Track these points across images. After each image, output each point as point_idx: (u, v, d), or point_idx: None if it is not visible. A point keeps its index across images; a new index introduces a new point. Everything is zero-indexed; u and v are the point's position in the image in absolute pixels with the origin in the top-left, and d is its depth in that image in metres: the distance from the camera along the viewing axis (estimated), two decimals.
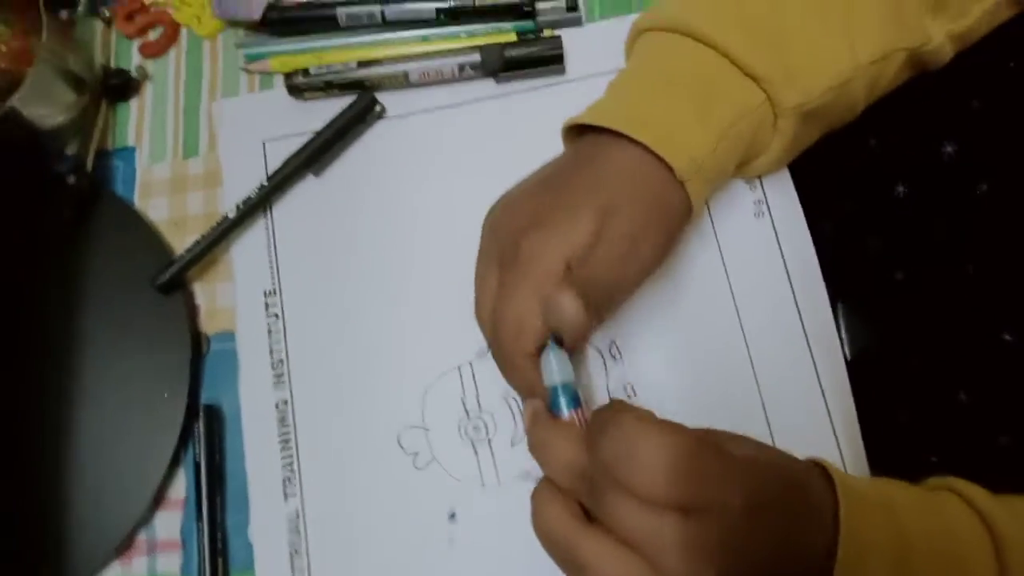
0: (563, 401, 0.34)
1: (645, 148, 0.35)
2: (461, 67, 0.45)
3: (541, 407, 0.34)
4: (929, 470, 0.48)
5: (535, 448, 0.33)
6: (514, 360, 0.34)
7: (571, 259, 0.34)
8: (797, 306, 0.41)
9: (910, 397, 0.48)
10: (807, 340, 0.40)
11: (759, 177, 0.43)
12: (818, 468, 0.32)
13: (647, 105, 0.37)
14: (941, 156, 0.51)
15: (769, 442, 0.39)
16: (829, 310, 0.41)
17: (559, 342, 0.34)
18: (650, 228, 0.36)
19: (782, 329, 0.41)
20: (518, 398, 0.41)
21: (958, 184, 0.50)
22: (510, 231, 0.36)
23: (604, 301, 0.35)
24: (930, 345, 0.49)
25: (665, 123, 0.36)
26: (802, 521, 0.29)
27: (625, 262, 0.35)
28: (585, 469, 0.30)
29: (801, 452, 0.38)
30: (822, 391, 0.40)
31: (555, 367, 0.34)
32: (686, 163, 0.35)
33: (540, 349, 0.34)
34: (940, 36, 0.39)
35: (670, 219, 0.37)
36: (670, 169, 0.35)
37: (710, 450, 0.28)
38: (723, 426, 0.39)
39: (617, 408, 0.30)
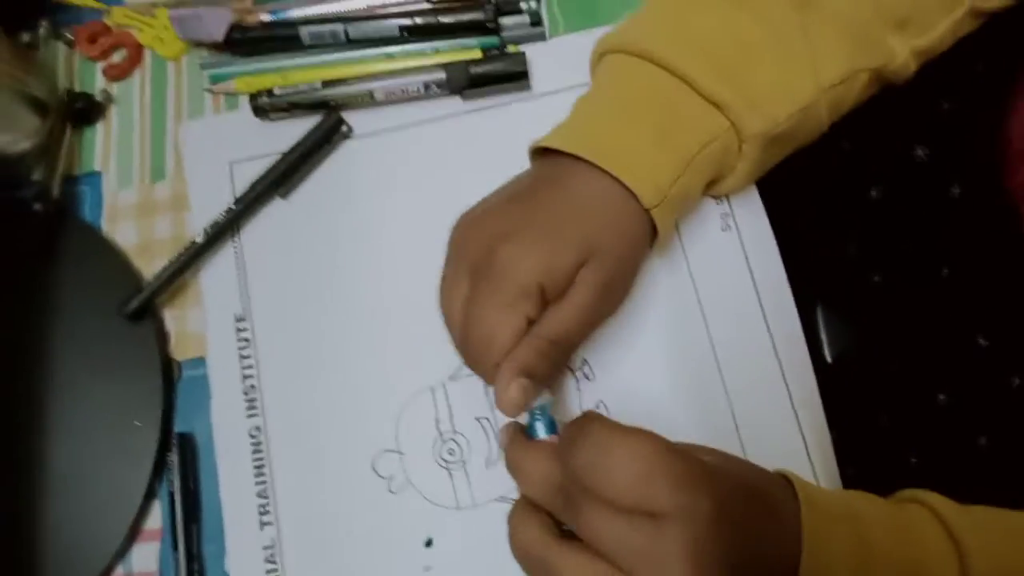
0: (539, 426, 0.34)
1: (612, 176, 0.35)
2: (427, 85, 0.45)
3: (517, 429, 0.35)
4: (909, 471, 0.48)
5: (511, 467, 0.33)
6: (487, 371, 0.35)
7: (545, 285, 0.34)
8: (765, 318, 0.41)
9: (889, 399, 0.49)
10: (776, 352, 0.40)
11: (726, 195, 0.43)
12: (784, 480, 0.32)
13: (610, 132, 0.37)
14: (913, 159, 0.51)
15: (740, 453, 0.39)
16: (797, 321, 0.41)
17: None
18: (625, 275, 0.37)
19: (751, 341, 0.41)
20: (492, 419, 0.41)
21: (931, 187, 0.50)
22: (484, 240, 0.36)
23: (566, 352, 0.36)
24: (908, 348, 0.49)
25: (629, 152, 0.36)
26: (767, 530, 0.29)
27: (596, 310, 0.36)
28: (560, 484, 0.30)
29: (772, 462, 0.38)
30: (791, 401, 0.40)
31: None
32: (651, 192, 0.36)
33: None
34: (904, 53, 0.39)
35: (640, 255, 0.38)
36: (636, 197, 0.36)
37: (678, 456, 0.28)
38: (695, 440, 0.39)
39: (588, 418, 0.30)
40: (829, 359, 0.49)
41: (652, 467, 0.28)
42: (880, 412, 0.49)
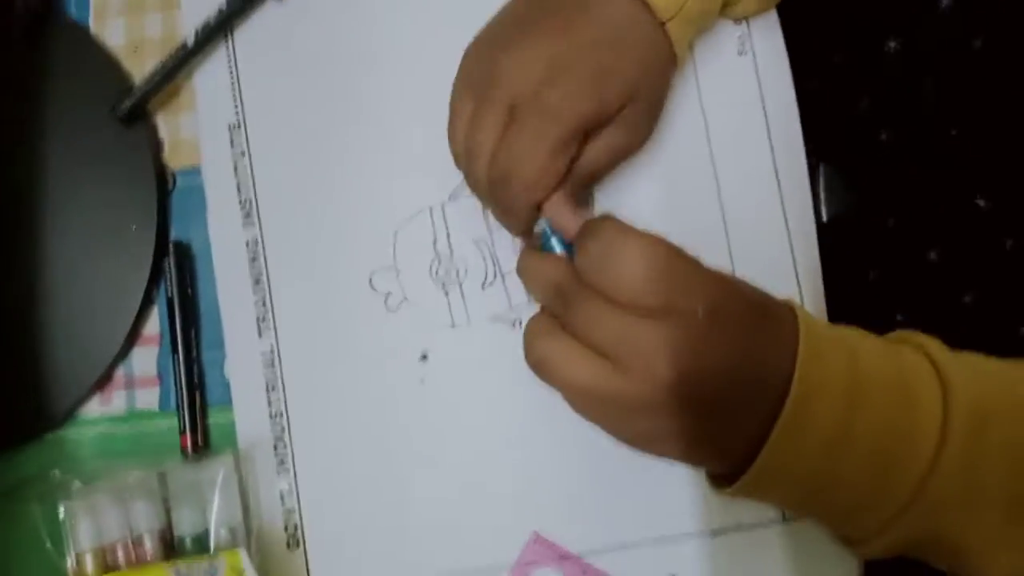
0: (554, 241, 0.34)
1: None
2: None
3: (534, 243, 0.35)
4: (894, 327, 0.49)
5: (523, 271, 0.34)
6: (521, 209, 0.34)
7: (590, 128, 0.34)
8: (772, 150, 0.40)
9: (881, 256, 0.49)
10: (779, 184, 0.40)
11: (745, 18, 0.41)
12: (786, 304, 0.32)
13: None
14: (936, 8, 0.48)
15: None
16: (803, 152, 0.40)
17: None
18: (656, 115, 0.38)
19: (755, 171, 0.40)
20: (489, 241, 0.41)
21: (952, 39, 0.48)
22: (524, 74, 0.34)
23: (594, 181, 0.37)
24: (906, 206, 0.48)
25: None
26: (763, 342, 0.30)
27: (629, 151, 0.37)
28: (566, 285, 0.31)
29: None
30: (789, 238, 0.40)
31: None
32: (666, 3, 0.34)
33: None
34: None
35: (665, 90, 0.38)
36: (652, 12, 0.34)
37: (685, 259, 0.30)
38: None
39: (602, 217, 0.31)
40: (825, 219, 0.49)
41: (657, 265, 0.29)
42: (870, 268, 0.50)
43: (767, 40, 0.41)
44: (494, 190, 0.35)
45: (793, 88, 0.40)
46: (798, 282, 0.40)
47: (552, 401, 0.38)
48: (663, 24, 0.35)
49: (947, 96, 0.48)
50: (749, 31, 0.41)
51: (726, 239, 0.40)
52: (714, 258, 0.38)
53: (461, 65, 0.37)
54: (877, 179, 0.48)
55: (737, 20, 0.41)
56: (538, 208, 0.34)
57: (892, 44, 0.48)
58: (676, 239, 0.39)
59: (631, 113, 0.35)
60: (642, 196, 0.40)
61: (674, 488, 0.39)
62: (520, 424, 0.40)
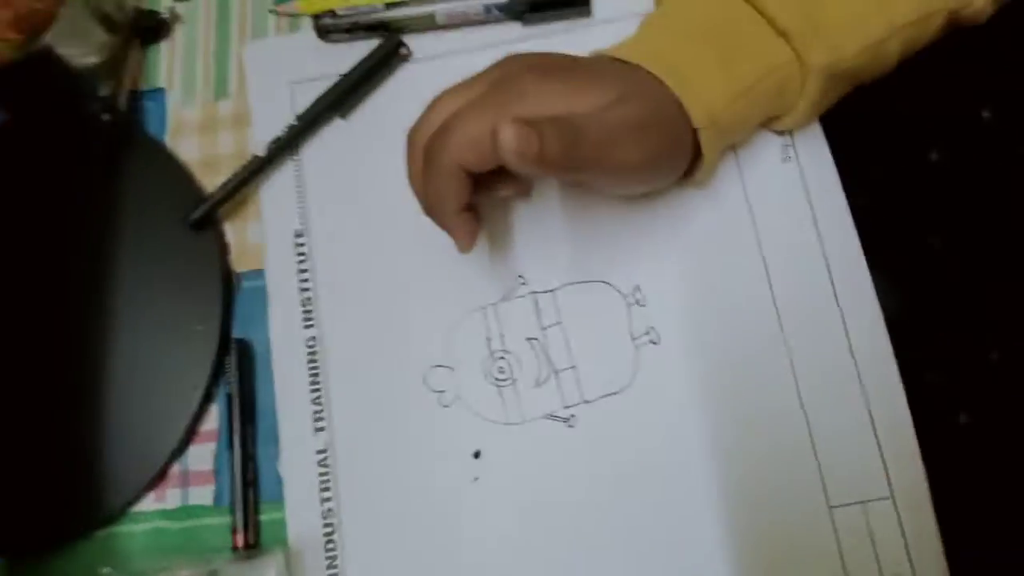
0: None
1: (667, 88, 0.36)
2: (488, 8, 0.45)
3: None
4: (958, 430, 0.48)
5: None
6: (452, 174, 0.34)
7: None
8: (825, 255, 0.40)
9: (939, 357, 0.48)
10: (833, 288, 0.40)
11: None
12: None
13: (671, 49, 0.37)
14: (979, 119, 0.50)
15: (793, 388, 0.39)
16: (861, 256, 0.40)
17: None
18: (652, 131, 0.35)
19: (809, 276, 0.40)
20: (541, 339, 0.41)
21: (995, 148, 0.49)
22: (515, 66, 0.35)
23: (572, 154, 0.32)
24: (962, 308, 0.48)
25: (687, 67, 0.36)
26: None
27: (613, 142, 0.33)
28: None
29: (829, 404, 0.39)
30: (849, 343, 0.39)
31: None
32: (702, 112, 0.36)
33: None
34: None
35: (675, 141, 0.36)
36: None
37: None
38: (747, 374, 0.39)
39: None
40: None
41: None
42: (928, 370, 0.49)
43: (811, 147, 0.42)
44: (432, 150, 0.35)
45: (843, 194, 0.41)
46: (861, 385, 0.39)
47: (606, 501, 0.39)
48: (695, 130, 0.36)
49: (994, 201, 0.49)
50: (793, 140, 0.42)
51: (784, 343, 0.40)
52: (774, 368, 0.39)
53: None
54: (928, 283, 0.49)
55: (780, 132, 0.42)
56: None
57: (935, 155, 0.50)
58: (733, 352, 0.40)
59: (623, 110, 0.34)
60: (691, 297, 0.41)
61: None
62: (573, 524, 0.39)
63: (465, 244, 0.36)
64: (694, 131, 0.36)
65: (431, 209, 0.37)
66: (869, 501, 0.37)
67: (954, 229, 0.49)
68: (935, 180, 0.50)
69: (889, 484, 0.37)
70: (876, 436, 0.38)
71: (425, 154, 0.35)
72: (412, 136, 0.36)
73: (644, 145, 0.34)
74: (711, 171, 0.40)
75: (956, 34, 0.41)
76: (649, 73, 0.36)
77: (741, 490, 0.38)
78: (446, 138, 0.34)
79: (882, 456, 0.38)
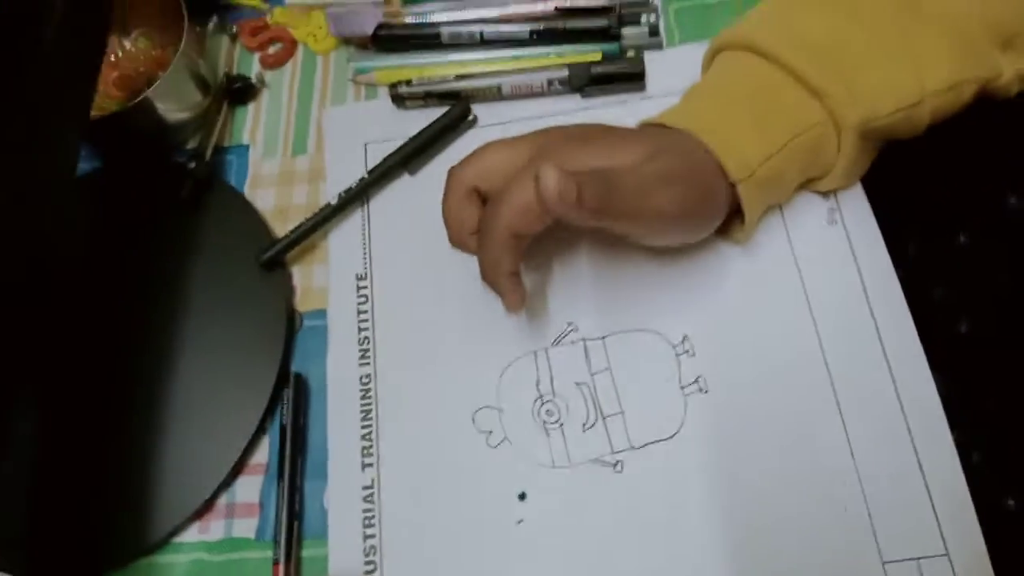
0: None
1: (708, 149, 0.38)
2: (550, 82, 0.49)
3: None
4: (1006, 513, 0.47)
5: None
6: (505, 241, 0.37)
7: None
8: (872, 314, 0.41)
9: (982, 439, 0.47)
10: (882, 346, 0.40)
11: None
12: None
13: (709, 111, 0.40)
14: (1004, 206, 0.51)
15: (845, 443, 0.39)
16: (908, 315, 0.41)
17: None
18: (685, 183, 0.37)
19: (858, 335, 0.41)
20: (590, 384, 0.42)
21: (1020, 234, 0.50)
22: (557, 138, 0.39)
23: (608, 201, 0.34)
24: (1005, 389, 0.48)
25: (723, 126, 0.38)
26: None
27: (648, 192, 0.35)
28: None
29: (880, 459, 0.38)
30: (900, 404, 0.39)
31: None
32: (739, 166, 0.38)
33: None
34: (1010, 73, 0.40)
35: (708, 193, 0.38)
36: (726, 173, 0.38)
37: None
38: (798, 428, 0.40)
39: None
40: None
41: None
42: (972, 450, 0.48)
43: (856, 212, 0.43)
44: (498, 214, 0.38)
45: (889, 259, 0.42)
46: (916, 454, 0.39)
47: (652, 548, 0.38)
48: (733, 185, 0.38)
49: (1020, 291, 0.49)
50: (838, 203, 0.44)
51: (835, 399, 0.40)
52: (825, 424, 0.39)
53: None
54: (962, 367, 0.48)
55: (824, 194, 0.44)
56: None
57: (963, 239, 0.51)
58: (783, 405, 0.40)
59: (655, 163, 0.37)
60: (740, 349, 0.42)
61: None
62: (617, 570, 0.38)
63: (514, 306, 0.39)
64: (732, 187, 0.38)
65: (486, 274, 0.39)
66: (924, 558, 0.36)
67: (980, 314, 0.49)
68: (964, 263, 0.51)
69: (943, 541, 0.36)
70: (929, 493, 0.37)
71: (479, 225, 0.39)
72: (453, 170, 0.41)
73: (677, 195, 0.36)
74: (752, 229, 0.41)
75: (988, 115, 0.43)
76: (686, 133, 0.39)
77: (791, 542, 0.37)
78: (498, 208, 0.37)
79: (935, 513, 0.37)
